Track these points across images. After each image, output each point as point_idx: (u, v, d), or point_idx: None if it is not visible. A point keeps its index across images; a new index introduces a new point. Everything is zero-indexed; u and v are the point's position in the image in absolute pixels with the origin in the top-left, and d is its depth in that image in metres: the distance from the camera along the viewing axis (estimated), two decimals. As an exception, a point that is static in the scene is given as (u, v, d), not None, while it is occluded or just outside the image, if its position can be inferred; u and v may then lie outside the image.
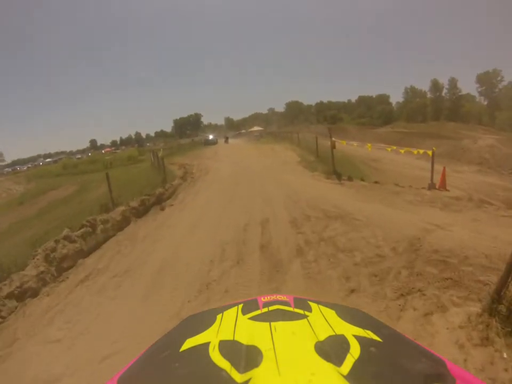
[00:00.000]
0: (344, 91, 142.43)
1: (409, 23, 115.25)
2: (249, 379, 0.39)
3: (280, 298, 0.65)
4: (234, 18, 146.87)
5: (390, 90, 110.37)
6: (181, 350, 0.49)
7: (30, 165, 55.27)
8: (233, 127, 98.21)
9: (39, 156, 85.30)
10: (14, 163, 75.00)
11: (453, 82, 78.87)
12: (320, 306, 0.62)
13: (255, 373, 0.40)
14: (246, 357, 0.44)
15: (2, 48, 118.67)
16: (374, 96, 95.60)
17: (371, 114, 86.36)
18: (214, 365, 0.43)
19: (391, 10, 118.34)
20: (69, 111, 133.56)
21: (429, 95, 77.72)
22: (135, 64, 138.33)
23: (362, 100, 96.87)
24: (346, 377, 0.39)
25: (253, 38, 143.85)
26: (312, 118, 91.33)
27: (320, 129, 48.20)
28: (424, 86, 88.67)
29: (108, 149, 73.56)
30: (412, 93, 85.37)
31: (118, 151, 64.17)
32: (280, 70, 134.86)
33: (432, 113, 72.82)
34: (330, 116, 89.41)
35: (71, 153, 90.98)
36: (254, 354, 0.44)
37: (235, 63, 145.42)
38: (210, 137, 42.58)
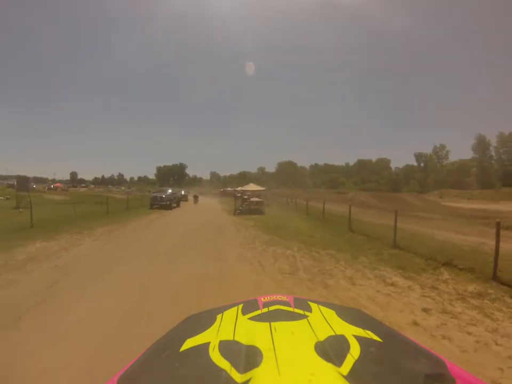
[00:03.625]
0: (337, 155, 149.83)
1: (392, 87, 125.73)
2: (249, 379, 0.39)
3: (280, 299, 0.66)
4: (233, 72, 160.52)
5: (385, 154, 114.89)
6: (181, 350, 0.50)
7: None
8: (220, 183, 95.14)
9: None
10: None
11: (502, 138, 62.89)
12: (320, 306, 0.62)
13: (255, 373, 0.40)
14: (246, 357, 0.44)
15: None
16: (374, 160, 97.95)
17: (376, 179, 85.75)
18: (214, 365, 0.43)
19: (383, 72, 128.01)
20: (68, 143, 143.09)
21: (472, 154, 67.46)
22: (135, 108, 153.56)
23: (362, 164, 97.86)
24: (346, 377, 0.39)
25: (244, 95, 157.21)
26: (307, 180, 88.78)
27: (326, 194, 39.96)
28: (423, 149, 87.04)
29: (58, 185, 61.11)
30: (419, 158, 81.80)
31: (74, 188, 57.97)
32: (272, 130, 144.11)
33: (481, 177, 60.73)
34: (330, 179, 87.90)
35: (40, 180, 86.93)
36: (254, 355, 0.44)
37: (228, 118, 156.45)
38: (169, 192, 23.12)
